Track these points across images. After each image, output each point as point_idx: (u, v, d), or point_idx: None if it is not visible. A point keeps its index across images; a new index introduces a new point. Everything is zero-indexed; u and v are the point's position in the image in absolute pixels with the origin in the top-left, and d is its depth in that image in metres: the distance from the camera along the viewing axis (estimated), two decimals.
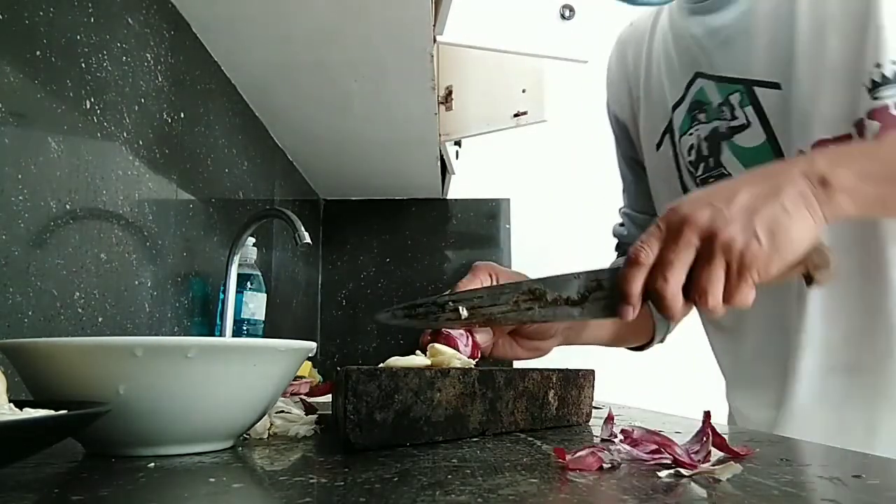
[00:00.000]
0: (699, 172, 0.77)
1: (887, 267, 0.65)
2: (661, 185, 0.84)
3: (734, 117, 0.72)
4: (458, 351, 0.59)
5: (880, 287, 0.66)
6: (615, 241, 0.96)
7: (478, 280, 0.68)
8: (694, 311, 0.86)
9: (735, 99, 0.72)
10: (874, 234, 0.65)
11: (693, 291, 0.53)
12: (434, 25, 1.17)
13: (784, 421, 0.71)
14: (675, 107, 0.79)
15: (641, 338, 0.89)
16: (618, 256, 0.95)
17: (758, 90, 0.70)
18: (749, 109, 0.71)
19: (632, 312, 0.55)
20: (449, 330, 0.61)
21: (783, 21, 0.68)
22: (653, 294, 0.54)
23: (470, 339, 0.62)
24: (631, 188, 0.93)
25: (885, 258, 0.65)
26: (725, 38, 0.73)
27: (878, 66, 0.62)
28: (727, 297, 0.52)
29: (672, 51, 0.79)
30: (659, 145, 0.82)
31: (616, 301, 0.56)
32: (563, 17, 2.39)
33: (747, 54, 0.71)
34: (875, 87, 0.62)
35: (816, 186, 0.52)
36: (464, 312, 0.60)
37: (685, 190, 0.79)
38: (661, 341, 0.91)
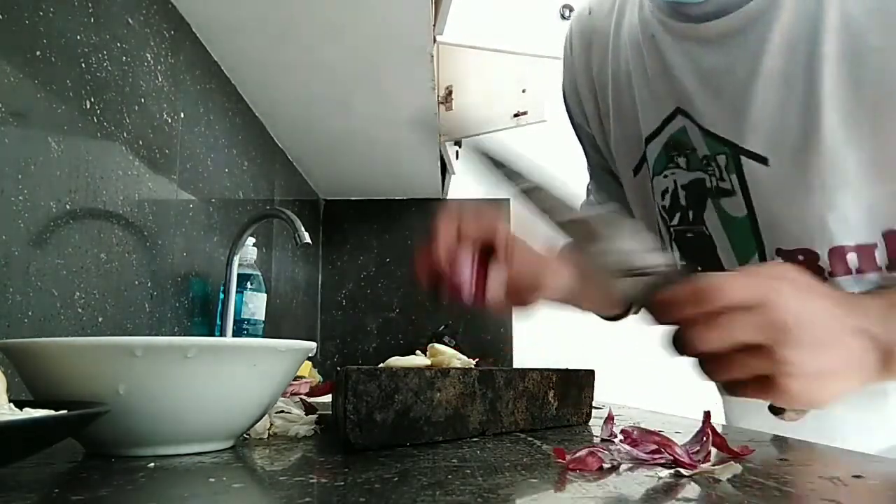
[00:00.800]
0: (674, 222, 0.70)
1: None
2: (640, 210, 0.76)
3: (722, 178, 0.63)
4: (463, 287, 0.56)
5: None
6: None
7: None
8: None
9: (721, 161, 0.62)
10: None
11: (707, 360, 0.47)
12: (434, 25, 1.17)
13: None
14: (649, 138, 0.69)
15: (617, 309, 0.82)
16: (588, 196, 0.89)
17: (744, 160, 0.61)
18: (734, 178, 0.62)
19: (650, 324, 0.49)
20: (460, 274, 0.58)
21: (794, 88, 0.56)
22: (677, 341, 0.48)
23: (477, 278, 0.58)
24: (602, 185, 0.84)
25: None
26: (717, 88, 0.61)
27: None
28: (730, 386, 0.48)
29: (647, 70, 0.67)
30: (637, 171, 0.73)
31: (654, 307, 0.49)
32: (563, 17, 2.39)
33: (737, 116, 0.60)
34: None
35: (879, 358, 0.47)
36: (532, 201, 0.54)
37: (660, 229, 0.73)
38: (636, 312, 0.87)
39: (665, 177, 0.69)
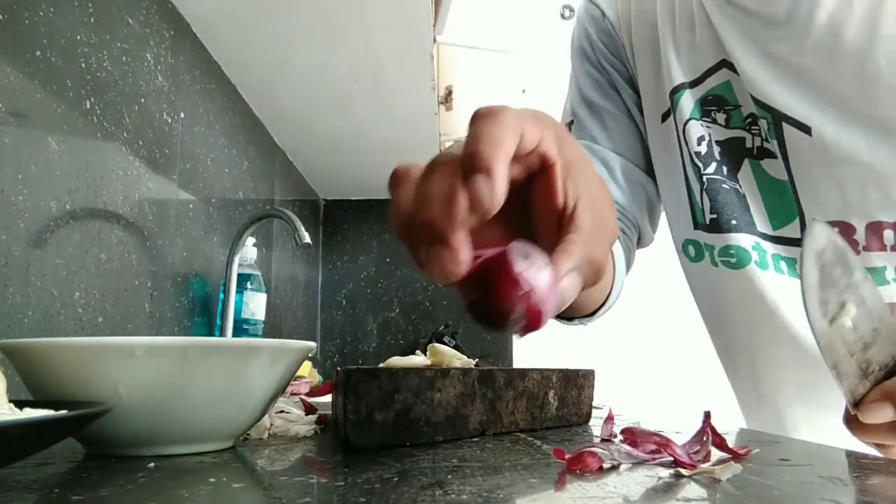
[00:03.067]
0: (708, 171, 0.68)
1: None
2: (661, 157, 0.73)
3: (767, 140, 0.63)
4: (531, 283, 0.51)
5: None
6: None
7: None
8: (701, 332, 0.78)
9: (763, 124, 0.62)
10: None
11: None
12: (434, 25, 1.17)
13: None
14: (684, 85, 0.68)
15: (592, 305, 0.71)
16: None
17: (785, 126, 0.60)
18: (774, 143, 0.61)
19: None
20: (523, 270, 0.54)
21: (844, 64, 0.56)
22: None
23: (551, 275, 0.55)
24: (608, 122, 0.76)
25: None
26: (760, 54, 0.61)
27: None
28: None
29: (694, 14, 0.66)
30: (665, 117, 0.71)
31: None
32: (563, 17, 2.39)
33: (779, 80, 0.60)
34: None
35: None
36: None
37: (687, 179, 0.70)
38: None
39: (703, 127, 0.67)
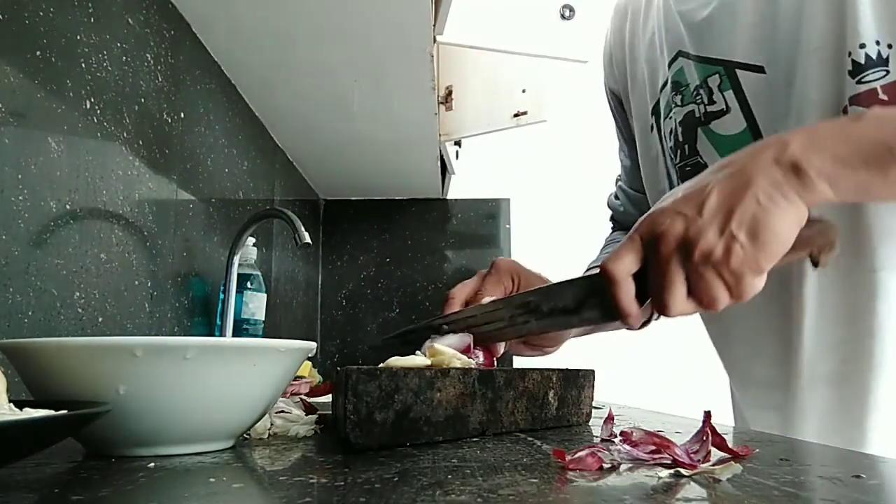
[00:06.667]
0: (677, 160, 0.74)
1: (875, 270, 0.61)
2: (648, 168, 0.81)
3: (712, 101, 0.68)
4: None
5: (867, 291, 0.62)
6: (609, 212, 0.96)
7: (501, 284, 0.69)
8: None
9: (714, 82, 0.68)
10: (864, 234, 0.61)
11: (697, 303, 0.51)
12: (434, 25, 1.17)
13: (789, 424, 0.69)
14: (661, 88, 0.76)
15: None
16: (612, 229, 0.96)
17: (740, 73, 0.66)
18: (729, 94, 0.66)
19: (636, 322, 0.54)
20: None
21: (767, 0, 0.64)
22: (657, 311, 0.53)
23: (481, 352, 0.62)
24: (626, 164, 0.90)
25: (873, 260, 0.61)
26: (709, 15, 0.68)
27: (863, 46, 0.57)
28: (733, 296, 0.50)
29: (662, 28, 0.75)
30: (652, 128, 0.79)
31: (611, 305, 0.53)
32: (563, 17, 2.39)
33: (730, 34, 0.66)
34: (859, 70, 0.58)
35: (789, 174, 0.48)
36: None
37: (668, 176, 0.77)
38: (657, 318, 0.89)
39: (669, 118, 0.74)
